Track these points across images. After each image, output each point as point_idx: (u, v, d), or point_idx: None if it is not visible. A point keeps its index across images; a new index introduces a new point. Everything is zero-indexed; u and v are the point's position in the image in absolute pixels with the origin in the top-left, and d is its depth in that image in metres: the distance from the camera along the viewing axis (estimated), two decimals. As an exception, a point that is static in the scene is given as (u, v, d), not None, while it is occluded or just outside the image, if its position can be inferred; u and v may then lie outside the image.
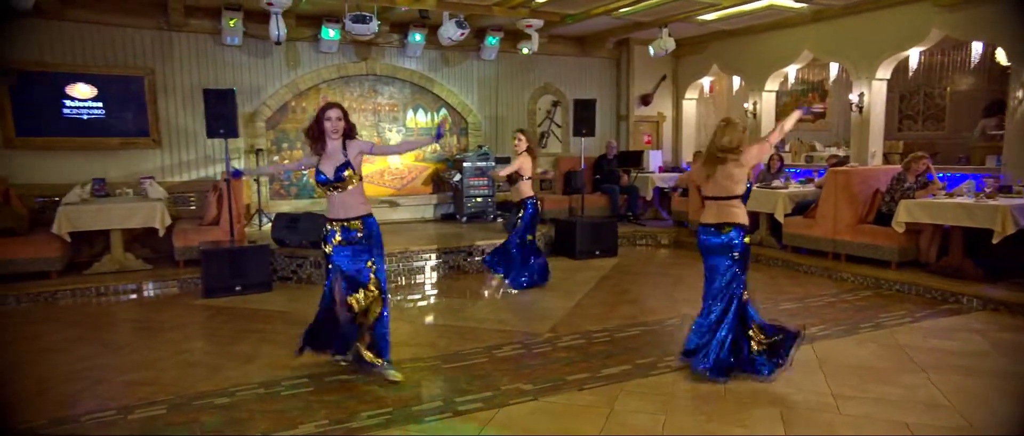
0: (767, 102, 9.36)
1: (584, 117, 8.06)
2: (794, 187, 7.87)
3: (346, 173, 3.71)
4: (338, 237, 3.78)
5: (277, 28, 6.54)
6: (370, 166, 8.90)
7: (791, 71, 9.31)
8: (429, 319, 5.48)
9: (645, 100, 10.49)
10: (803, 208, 7.49)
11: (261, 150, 8.06)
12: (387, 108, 8.95)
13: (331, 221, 3.80)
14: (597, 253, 7.84)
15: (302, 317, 5.22)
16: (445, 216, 9.24)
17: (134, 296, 6.14)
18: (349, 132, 3.79)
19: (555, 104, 10.17)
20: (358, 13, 6.53)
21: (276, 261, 6.58)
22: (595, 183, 9.93)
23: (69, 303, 5.91)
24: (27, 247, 6.18)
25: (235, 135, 6.37)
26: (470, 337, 4.63)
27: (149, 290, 6.24)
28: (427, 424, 3.20)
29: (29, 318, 5.37)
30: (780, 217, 7.50)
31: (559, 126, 10.26)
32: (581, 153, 8.28)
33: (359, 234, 3.78)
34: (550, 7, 7.38)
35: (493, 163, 9.02)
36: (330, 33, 7.66)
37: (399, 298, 5.98)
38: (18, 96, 6.95)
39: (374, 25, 6.67)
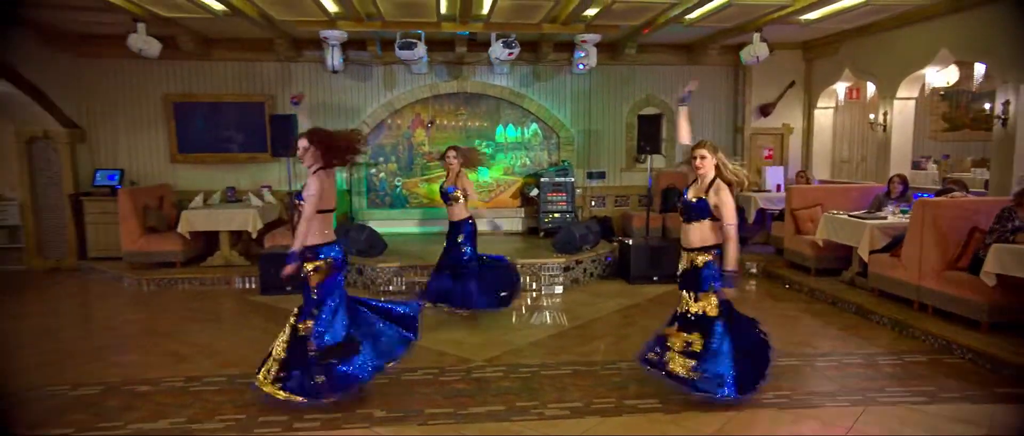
0: (900, 112, 7.80)
1: (648, 133, 7.63)
2: (896, 217, 6.53)
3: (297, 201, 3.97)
4: None
5: (332, 59, 7.34)
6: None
7: (930, 75, 7.63)
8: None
9: (764, 111, 9.42)
10: (899, 243, 6.19)
11: (355, 163, 9.01)
12: (477, 124, 9.37)
13: None
14: (655, 279, 7.34)
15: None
16: (531, 230, 9.37)
17: (225, 287, 7.41)
18: (324, 159, 3.88)
19: (658, 116, 9.62)
20: (405, 40, 7.03)
21: (333, 266, 7.41)
22: (697, 201, 9.22)
23: (184, 289, 7.37)
24: (160, 242, 7.84)
25: (295, 155, 7.26)
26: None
27: (236, 283, 7.48)
28: None
29: (137, 299, 6.86)
30: (863, 253, 6.30)
31: (662, 139, 9.69)
32: (649, 170, 7.82)
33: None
34: (603, 20, 7.11)
35: (572, 178, 8.93)
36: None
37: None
38: (179, 121, 8.80)
39: (420, 49, 7.11)
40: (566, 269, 7.22)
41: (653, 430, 3.59)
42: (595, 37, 7.52)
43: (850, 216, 6.70)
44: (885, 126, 7.92)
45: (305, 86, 8.96)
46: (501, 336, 5.37)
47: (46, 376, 4.47)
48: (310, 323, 3.92)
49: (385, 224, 8.98)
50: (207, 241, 8.24)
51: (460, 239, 5.81)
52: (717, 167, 4.06)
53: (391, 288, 6.99)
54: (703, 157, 4.04)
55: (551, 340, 5.27)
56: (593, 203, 9.67)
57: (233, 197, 8.54)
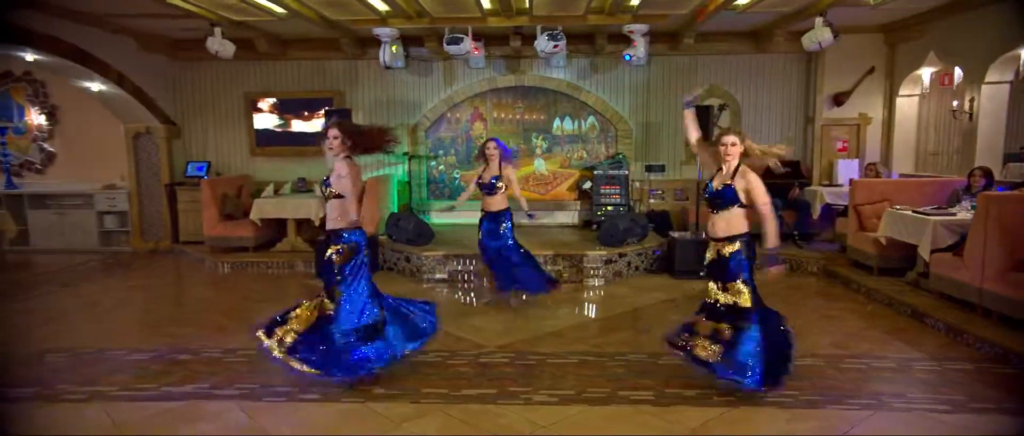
0: (989, 98, 7.08)
1: (700, 125, 7.37)
2: (969, 213, 5.96)
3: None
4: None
5: (385, 55, 7.66)
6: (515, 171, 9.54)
7: (1026, 56, 6.86)
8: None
9: (838, 100, 8.84)
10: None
11: (416, 156, 9.38)
12: (535, 117, 9.44)
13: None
14: (701, 273, 7.07)
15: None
16: (586, 223, 9.34)
17: (288, 271, 7.97)
18: (354, 146, 4.11)
19: (722, 107, 9.28)
20: (453, 35, 7.23)
21: (385, 253, 7.78)
22: (761, 195, 8.83)
23: (254, 272, 8.01)
24: (235, 228, 8.55)
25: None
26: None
27: (299, 267, 8.02)
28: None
29: (212, 280, 7.56)
30: (925, 252, 5.82)
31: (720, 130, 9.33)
32: (699, 163, 7.57)
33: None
34: (649, 9, 6.97)
35: (626, 171, 8.82)
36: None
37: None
38: (256, 116, 9.52)
39: (467, 44, 7.28)
40: (608, 262, 7.16)
41: (634, 421, 3.56)
42: (643, 27, 7.37)
43: (915, 212, 6.19)
44: (971, 114, 7.22)
45: (370, 82, 9.41)
46: (523, 325, 5.45)
47: (114, 341, 5.07)
48: (330, 303, 4.17)
49: (444, 215, 9.29)
50: (279, 228, 8.87)
51: (504, 228, 6.00)
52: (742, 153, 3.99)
53: (436, 276, 7.24)
54: (734, 143, 3.97)
55: (571, 330, 5.29)
56: (651, 197, 9.49)
57: (303, 187, 9.14)
